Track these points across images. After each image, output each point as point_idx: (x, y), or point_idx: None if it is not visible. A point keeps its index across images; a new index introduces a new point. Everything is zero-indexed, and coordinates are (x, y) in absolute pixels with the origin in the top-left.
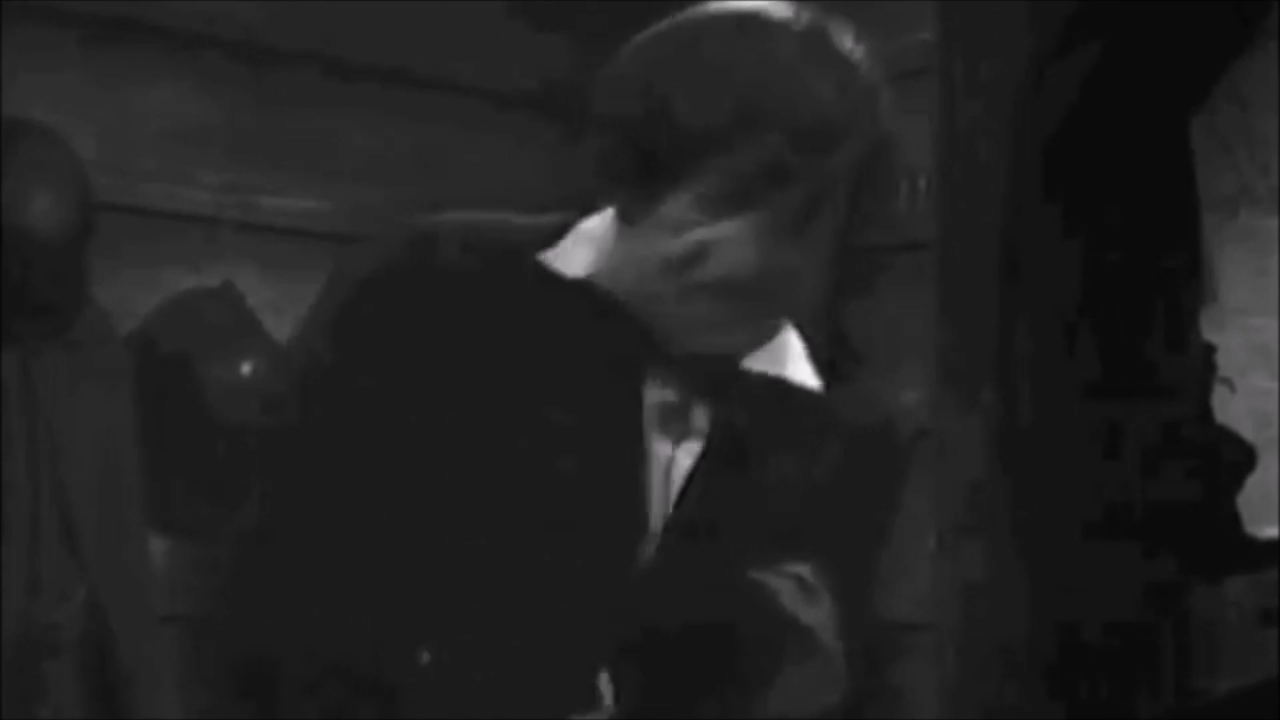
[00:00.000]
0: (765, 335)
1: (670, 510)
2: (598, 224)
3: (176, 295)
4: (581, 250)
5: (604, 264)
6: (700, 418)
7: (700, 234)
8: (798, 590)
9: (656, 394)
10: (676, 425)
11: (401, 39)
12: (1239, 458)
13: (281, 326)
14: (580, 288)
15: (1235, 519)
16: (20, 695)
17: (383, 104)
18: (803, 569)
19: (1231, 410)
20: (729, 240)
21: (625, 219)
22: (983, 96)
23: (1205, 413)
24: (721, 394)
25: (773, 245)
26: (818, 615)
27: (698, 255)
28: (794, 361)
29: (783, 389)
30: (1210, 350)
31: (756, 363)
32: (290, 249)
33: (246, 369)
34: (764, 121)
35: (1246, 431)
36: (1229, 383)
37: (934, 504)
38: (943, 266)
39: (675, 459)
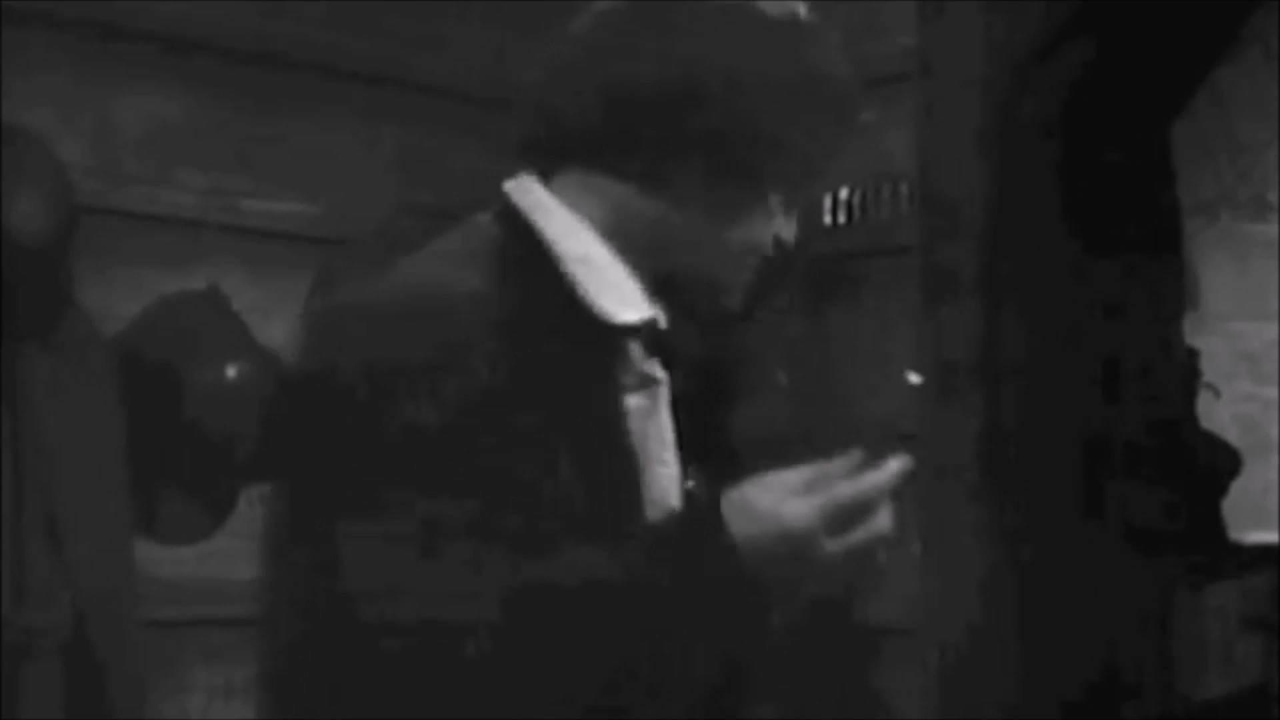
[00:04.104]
0: None
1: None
2: (575, 233)
3: (162, 298)
4: (609, 274)
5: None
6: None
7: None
8: None
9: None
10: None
11: (386, 42)
12: (1224, 463)
13: (267, 329)
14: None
15: (1220, 524)
16: (3, 699)
17: (367, 107)
18: None
19: (1216, 416)
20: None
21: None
22: (965, 100)
23: (1190, 417)
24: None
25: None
26: None
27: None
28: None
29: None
30: (1194, 355)
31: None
32: (275, 252)
33: (232, 372)
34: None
35: (1232, 437)
36: (1213, 388)
37: (918, 507)
38: (926, 270)
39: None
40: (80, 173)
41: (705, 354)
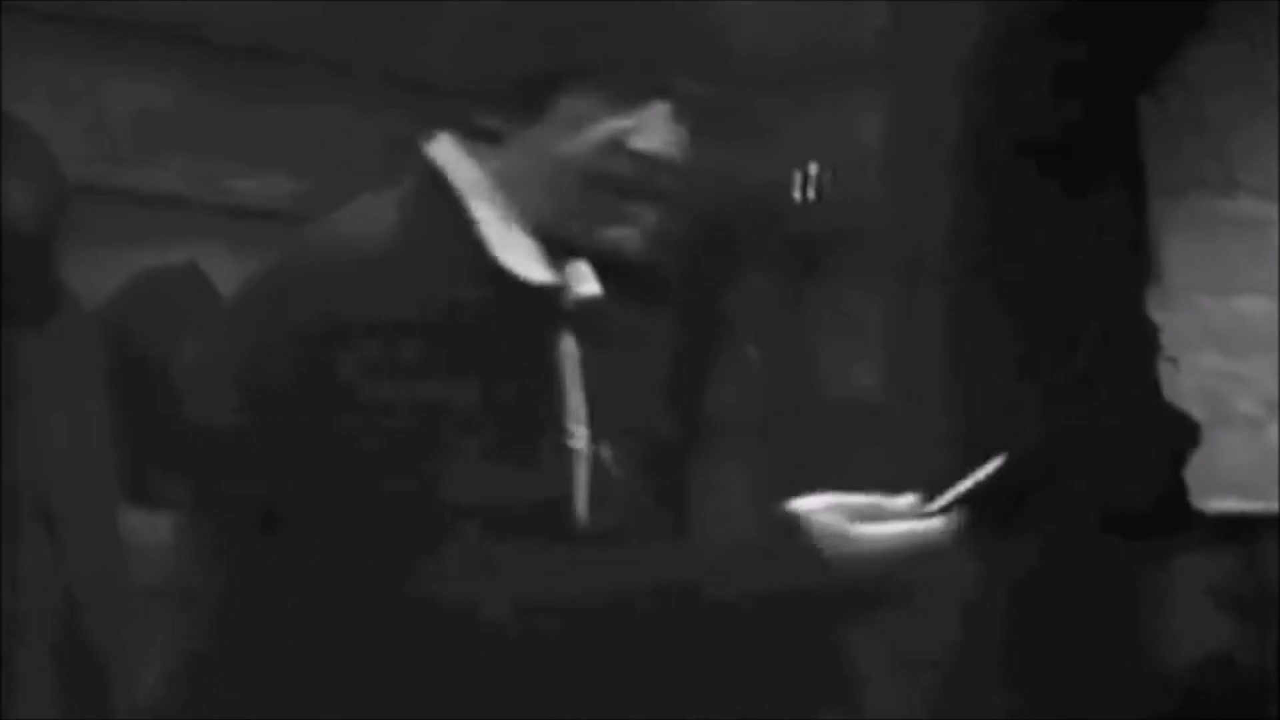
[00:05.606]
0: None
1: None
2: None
3: (140, 273)
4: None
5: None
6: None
7: (617, 124)
8: None
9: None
10: None
11: (370, 29)
12: (1185, 435)
13: None
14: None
15: (1184, 496)
16: None
17: (355, 91)
18: None
19: (1179, 388)
20: (653, 121)
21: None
22: (936, 85)
23: (1152, 390)
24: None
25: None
26: None
27: (628, 133)
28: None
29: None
30: (1154, 329)
31: None
32: (260, 231)
33: (212, 346)
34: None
35: (1195, 409)
36: (1174, 361)
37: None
38: (897, 256)
39: None
40: (68, 155)
41: (626, 322)
